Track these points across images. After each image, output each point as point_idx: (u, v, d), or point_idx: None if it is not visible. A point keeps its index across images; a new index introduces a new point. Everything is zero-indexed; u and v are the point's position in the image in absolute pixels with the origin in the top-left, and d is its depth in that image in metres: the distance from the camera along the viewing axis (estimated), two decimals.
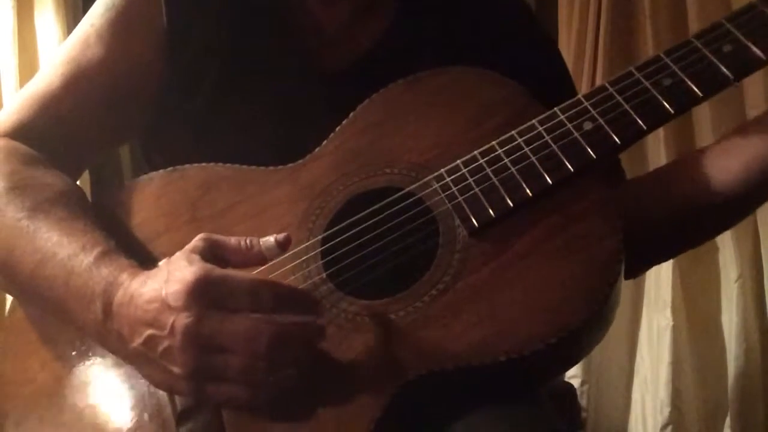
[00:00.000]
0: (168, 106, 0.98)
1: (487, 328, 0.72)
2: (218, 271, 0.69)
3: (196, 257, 0.70)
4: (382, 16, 1.00)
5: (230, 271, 0.69)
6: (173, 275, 0.69)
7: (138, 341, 0.70)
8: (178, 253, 0.72)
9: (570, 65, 2.25)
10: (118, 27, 0.95)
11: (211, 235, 0.74)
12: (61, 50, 0.98)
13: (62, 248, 0.78)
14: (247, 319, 0.67)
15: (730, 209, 0.87)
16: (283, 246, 0.74)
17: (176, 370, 0.68)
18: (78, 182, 1.04)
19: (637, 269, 0.97)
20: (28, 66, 1.95)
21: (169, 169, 0.92)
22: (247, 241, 0.74)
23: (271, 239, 0.74)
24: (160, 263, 0.74)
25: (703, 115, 2.00)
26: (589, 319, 0.71)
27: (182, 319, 0.66)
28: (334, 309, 0.77)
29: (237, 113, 0.96)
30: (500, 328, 0.72)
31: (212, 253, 0.72)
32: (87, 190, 1.96)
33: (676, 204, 0.89)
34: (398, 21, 0.99)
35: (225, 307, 0.67)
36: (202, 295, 0.67)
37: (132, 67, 0.96)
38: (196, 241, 0.73)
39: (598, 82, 2.16)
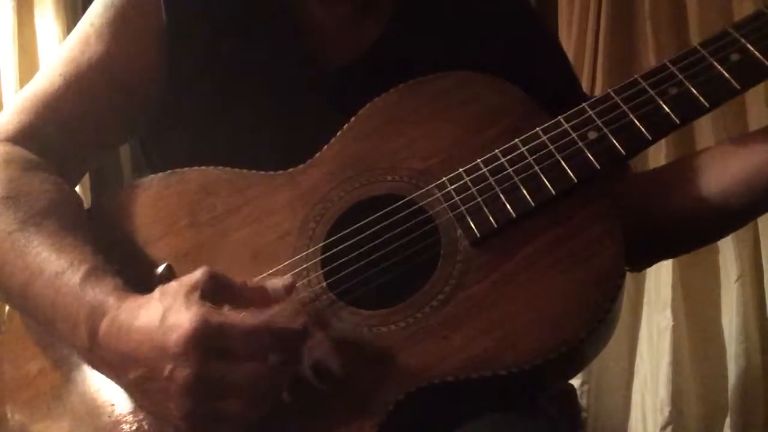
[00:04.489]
0: (168, 105, 0.97)
1: (487, 341, 0.71)
2: (216, 317, 0.66)
3: (195, 297, 0.68)
4: (381, 15, 0.99)
5: (228, 317, 0.67)
6: (169, 318, 0.67)
7: (130, 376, 0.69)
8: (175, 285, 0.70)
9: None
10: (118, 26, 0.95)
11: (216, 273, 0.71)
12: (60, 50, 0.97)
13: (50, 265, 0.76)
14: (248, 367, 0.65)
15: (727, 214, 0.86)
16: (288, 290, 0.73)
17: (174, 410, 0.67)
18: (79, 183, 1.04)
19: (638, 263, 0.96)
20: (28, 66, 1.95)
21: (168, 172, 0.91)
22: (252, 284, 0.72)
23: (278, 283, 0.72)
24: (155, 292, 0.71)
25: (704, 120, 1.99)
26: (590, 332, 0.71)
27: (182, 370, 0.65)
28: (333, 318, 0.77)
29: (238, 112, 0.96)
30: (501, 341, 0.71)
31: (215, 289, 0.70)
32: (87, 190, 1.97)
33: (677, 202, 0.88)
34: (397, 19, 0.99)
35: (225, 354, 0.65)
36: (201, 344, 0.65)
37: (133, 66, 0.95)
38: (199, 275, 0.70)
39: (598, 82, 2.16)
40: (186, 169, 0.91)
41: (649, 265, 0.99)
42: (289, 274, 0.73)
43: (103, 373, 0.74)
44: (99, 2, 0.97)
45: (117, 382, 0.73)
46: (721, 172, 0.83)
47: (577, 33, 2.24)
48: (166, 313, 0.67)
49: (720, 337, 2.09)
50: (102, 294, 0.73)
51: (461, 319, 0.73)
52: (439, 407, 0.72)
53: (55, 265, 0.76)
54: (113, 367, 0.71)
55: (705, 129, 2.03)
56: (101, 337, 0.71)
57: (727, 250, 2.05)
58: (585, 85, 2.19)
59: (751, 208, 0.84)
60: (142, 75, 0.96)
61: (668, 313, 2.10)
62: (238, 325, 0.66)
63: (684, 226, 0.88)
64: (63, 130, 0.93)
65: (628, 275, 2.02)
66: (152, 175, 0.92)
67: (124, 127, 1.01)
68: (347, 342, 0.75)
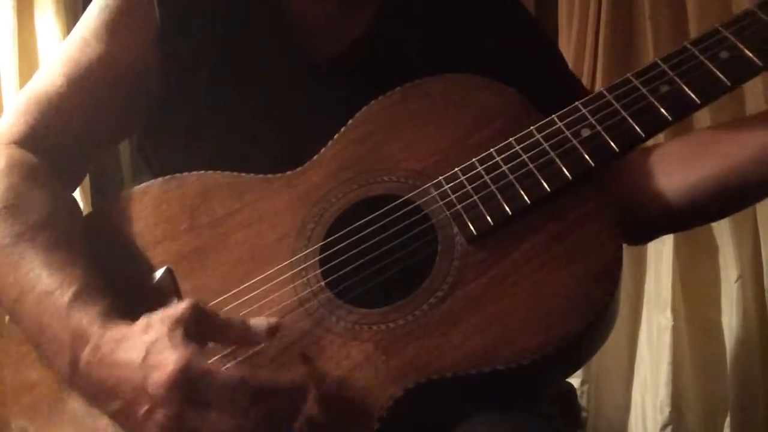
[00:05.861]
0: (164, 103, 0.99)
1: (485, 337, 0.72)
2: (199, 363, 0.65)
3: (179, 335, 0.67)
4: (368, 8, 1.01)
5: (212, 367, 0.66)
6: (152, 357, 0.66)
7: (108, 408, 0.69)
8: (158, 318, 0.69)
9: (570, 65, 2.23)
10: (114, 25, 0.97)
11: (201, 307, 0.71)
12: (59, 52, 0.99)
13: (39, 284, 0.76)
14: (225, 421, 0.64)
15: (727, 194, 0.83)
16: (271, 333, 0.71)
17: None
18: (82, 182, 1.05)
19: (637, 239, 0.95)
20: (28, 66, 1.95)
21: (168, 177, 0.92)
22: (235, 321, 0.71)
23: (261, 324, 0.71)
24: (140, 321, 0.71)
25: (703, 117, 1.99)
26: (588, 327, 0.72)
27: (160, 413, 0.64)
28: (333, 317, 0.78)
29: (230, 108, 0.98)
30: (499, 337, 0.72)
31: (197, 324, 0.69)
32: (87, 192, 1.97)
33: (677, 180, 0.86)
34: (384, 12, 1.01)
35: (203, 405, 0.64)
36: (181, 390, 0.64)
37: (130, 63, 0.97)
38: (183, 309, 0.69)
39: (598, 82, 2.16)
40: (185, 174, 0.92)
41: (649, 241, 0.98)
42: (275, 318, 0.72)
43: (84, 399, 0.74)
44: (94, 6, 0.99)
45: (97, 410, 0.72)
46: (720, 152, 0.82)
47: (577, 33, 2.24)
48: (149, 349, 0.67)
49: (720, 337, 2.08)
50: (86, 320, 0.73)
51: (459, 316, 0.74)
52: (439, 404, 0.73)
53: (44, 284, 0.76)
54: (93, 396, 0.71)
55: (704, 125, 2.02)
56: (82, 367, 0.71)
57: (727, 250, 2.04)
58: (585, 85, 2.18)
59: (751, 191, 0.82)
60: (141, 70, 0.97)
61: (668, 313, 2.09)
62: (221, 377, 0.65)
63: (683, 206, 0.86)
64: (67, 129, 0.94)
65: (629, 276, 2.01)
66: (152, 180, 0.93)
67: (125, 123, 1.02)
68: (345, 339, 0.76)
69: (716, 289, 2.10)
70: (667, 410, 2.09)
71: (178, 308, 0.70)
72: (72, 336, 0.72)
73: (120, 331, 0.71)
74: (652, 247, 2.13)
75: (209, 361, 0.67)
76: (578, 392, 2.19)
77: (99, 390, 0.70)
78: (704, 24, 2.00)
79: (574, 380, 2.20)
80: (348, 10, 1.00)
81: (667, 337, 2.09)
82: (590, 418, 2.26)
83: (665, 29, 2.11)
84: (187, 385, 0.64)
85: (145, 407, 0.65)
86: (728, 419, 2.04)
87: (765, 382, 2.02)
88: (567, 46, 2.27)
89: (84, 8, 1.02)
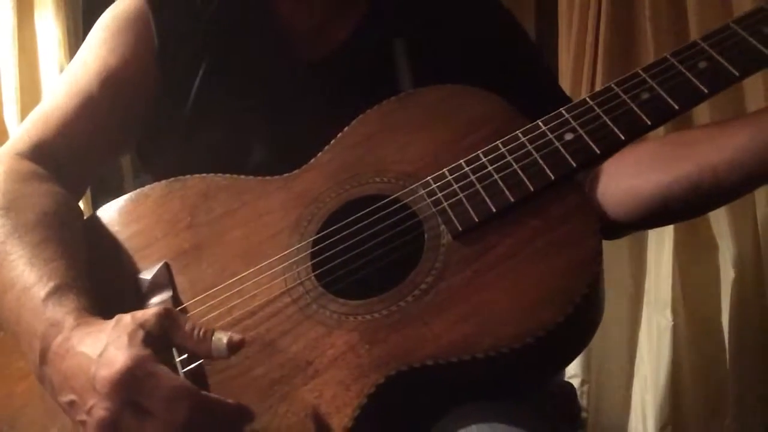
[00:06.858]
0: (163, 109, 1.02)
1: (467, 326, 0.74)
2: (148, 366, 0.66)
3: (140, 337, 0.68)
4: (355, 11, 1.04)
5: (159, 370, 0.66)
6: (108, 352, 0.67)
7: (62, 398, 0.70)
8: (128, 319, 0.71)
9: (570, 65, 2.26)
10: (113, 43, 1.01)
11: (170, 311, 0.72)
12: (63, 75, 1.03)
13: (20, 279, 0.78)
14: (160, 428, 0.64)
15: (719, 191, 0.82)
16: (233, 349, 0.71)
17: None
18: (85, 192, 1.08)
19: (614, 235, 0.94)
20: (28, 66, 1.96)
21: (171, 179, 0.95)
22: (200, 332, 0.71)
23: (224, 339, 0.71)
24: (112, 320, 0.72)
25: (703, 114, 1.99)
26: (567, 318, 0.73)
27: (99, 409, 0.65)
28: (320, 308, 0.80)
29: (223, 110, 1.01)
30: (480, 326, 0.74)
31: (162, 330, 0.71)
32: (87, 192, 1.97)
33: (655, 179, 0.85)
34: (371, 14, 1.04)
35: (142, 409, 0.65)
36: (124, 391, 0.65)
37: (129, 78, 1.01)
38: (151, 313, 0.71)
39: (598, 82, 2.15)
40: (188, 176, 0.95)
41: (617, 238, 0.98)
42: (239, 336, 0.72)
43: (46, 390, 0.75)
44: (94, 29, 1.04)
45: (55, 401, 0.73)
46: (696, 154, 0.82)
47: (577, 33, 2.24)
48: (107, 346, 0.68)
49: (720, 337, 2.08)
50: (61, 313, 0.74)
51: (442, 307, 0.76)
52: (421, 394, 0.74)
53: (25, 280, 0.78)
54: (53, 386, 0.72)
55: (704, 121, 2.02)
56: (50, 356, 0.72)
57: (727, 250, 2.04)
58: (585, 85, 2.19)
59: (723, 193, 0.82)
60: (139, 84, 1.01)
61: (668, 313, 2.09)
62: (167, 384, 0.65)
63: (655, 206, 0.86)
64: (68, 144, 0.98)
65: (629, 276, 2.00)
66: (155, 183, 0.96)
67: (126, 137, 1.06)
68: (330, 329, 0.78)
69: (716, 288, 2.09)
70: (667, 410, 2.09)
71: (147, 312, 0.71)
72: (46, 326, 0.73)
73: (92, 325, 0.72)
74: (653, 247, 2.13)
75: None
76: (578, 392, 2.19)
77: (59, 380, 0.71)
78: (704, 24, 1.99)
79: (574, 380, 2.20)
80: (335, 12, 1.03)
81: (667, 337, 2.09)
82: (590, 418, 2.26)
83: (665, 30, 2.10)
84: (131, 386, 0.65)
85: (90, 403, 0.66)
86: (728, 419, 2.03)
87: (765, 382, 2.02)
88: (567, 47, 2.27)
89: (84, 8, 1.05)
